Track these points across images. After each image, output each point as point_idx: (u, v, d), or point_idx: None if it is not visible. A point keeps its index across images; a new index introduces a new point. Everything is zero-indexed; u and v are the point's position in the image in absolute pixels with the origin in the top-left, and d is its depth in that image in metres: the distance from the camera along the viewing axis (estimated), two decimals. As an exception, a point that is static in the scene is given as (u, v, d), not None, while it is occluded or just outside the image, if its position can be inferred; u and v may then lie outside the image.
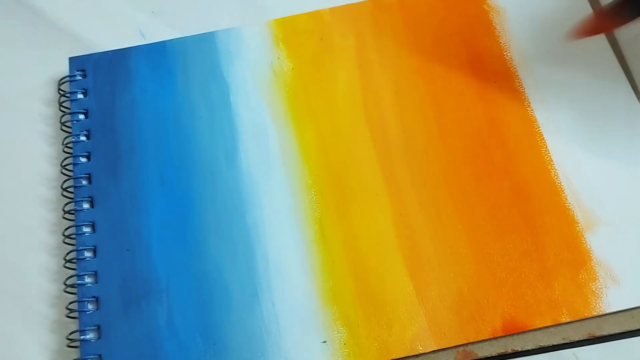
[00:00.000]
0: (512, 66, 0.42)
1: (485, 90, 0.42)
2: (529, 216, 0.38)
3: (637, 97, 0.41)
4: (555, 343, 0.36)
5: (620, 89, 0.41)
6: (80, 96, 0.43)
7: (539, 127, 0.41)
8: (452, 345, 0.36)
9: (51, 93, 0.44)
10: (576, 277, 0.37)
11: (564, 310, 0.36)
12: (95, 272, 0.38)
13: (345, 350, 0.36)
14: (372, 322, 0.36)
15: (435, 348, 0.36)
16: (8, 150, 0.43)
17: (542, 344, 0.36)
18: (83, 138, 0.42)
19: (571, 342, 0.36)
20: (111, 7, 0.47)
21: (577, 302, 0.36)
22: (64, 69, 0.44)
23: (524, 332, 0.36)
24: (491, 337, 0.36)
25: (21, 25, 0.46)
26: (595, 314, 0.36)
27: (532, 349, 0.36)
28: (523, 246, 0.38)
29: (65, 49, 0.45)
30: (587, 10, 0.43)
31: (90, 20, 0.46)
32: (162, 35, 0.45)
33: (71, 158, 0.41)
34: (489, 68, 0.42)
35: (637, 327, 0.36)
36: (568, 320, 0.36)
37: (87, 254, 0.39)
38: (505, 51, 0.43)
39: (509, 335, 0.36)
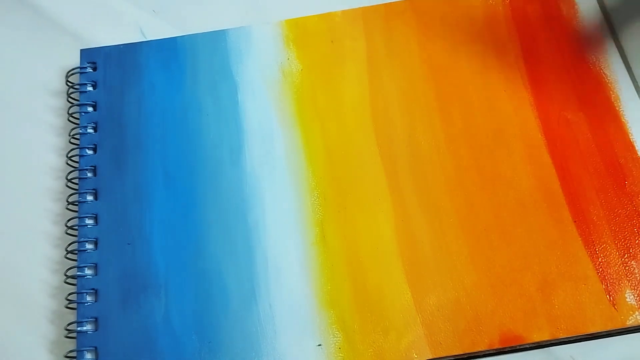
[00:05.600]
0: (523, 74, 0.42)
1: (495, 98, 0.42)
2: (531, 228, 0.38)
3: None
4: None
5: None
6: (89, 88, 0.43)
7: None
8: (448, 355, 0.36)
9: (53, 87, 0.44)
10: (576, 291, 0.36)
11: (562, 326, 0.36)
12: (96, 264, 0.38)
13: (340, 354, 0.36)
14: (368, 328, 0.36)
15: (431, 357, 0.36)
16: (14, 140, 0.43)
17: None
18: (90, 130, 0.42)
19: (566, 339, 0.36)
20: (112, 6, 0.47)
21: (576, 318, 0.36)
22: (64, 65, 0.44)
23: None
24: (488, 348, 0.36)
25: (22, 24, 0.46)
26: (593, 330, 0.35)
27: (528, 346, 0.36)
28: (524, 258, 0.37)
29: (65, 47, 0.45)
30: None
31: (91, 18, 0.46)
32: (162, 34, 0.45)
33: (77, 150, 0.41)
34: (499, 76, 0.42)
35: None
36: (566, 335, 0.35)
37: (89, 246, 0.39)
38: (518, 59, 0.43)
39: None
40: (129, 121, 0.42)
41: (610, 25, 0.44)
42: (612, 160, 0.39)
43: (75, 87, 0.43)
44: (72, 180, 0.41)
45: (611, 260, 0.37)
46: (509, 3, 0.44)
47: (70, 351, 0.37)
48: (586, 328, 0.36)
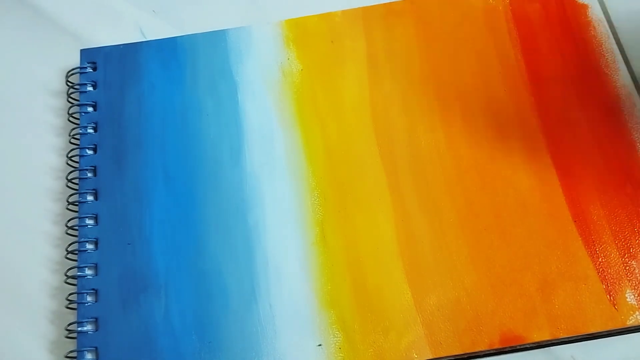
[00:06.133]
0: (523, 74, 0.42)
1: (495, 98, 0.42)
2: (532, 228, 0.38)
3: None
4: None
5: None
6: (89, 88, 0.43)
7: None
8: (448, 355, 0.36)
9: (53, 88, 0.44)
10: (576, 291, 0.36)
11: (563, 325, 0.36)
12: (96, 264, 0.38)
13: (340, 354, 0.36)
14: (368, 328, 0.36)
15: (431, 357, 0.36)
16: (14, 140, 0.43)
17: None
18: (90, 130, 0.42)
19: (566, 339, 0.36)
20: (112, 6, 0.47)
21: (576, 318, 0.36)
22: (64, 65, 0.44)
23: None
24: (488, 348, 0.36)
25: (22, 24, 0.46)
26: (593, 330, 0.35)
27: (528, 345, 0.36)
28: (524, 258, 0.37)
29: (65, 47, 0.45)
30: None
31: (91, 18, 0.46)
32: (162, 34, 0.45)
33: (77, 150, 0.41)
34: (499, 76, 0.42)
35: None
36: (566, 335, 0.35)
37: (89, 246, 0.39)
38: (519, 59, 0.42)
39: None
40: (129, 121, 0.42)
41: (611, 24, 0.44)
42: (613, 159, 0.39)
43: (75, 87, 0.43)
44: (72, 181, 0.41)
45: (611, 260, 0.37)
46: (508, 3, 0.44)
47: (71, 351, 0.37)
48: (586, 328, 0.35)
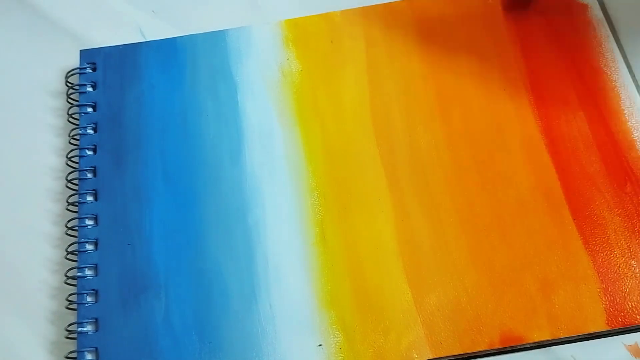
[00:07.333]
0: (523, 74, 0.42)
1: (495, 98, 0.42)
2: (532, 228, 0.38)
3: None
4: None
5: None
6: (89, 89, 0.43)
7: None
8: (448, 354, 0.36)
9: (53, 88, 0.44)
10: (576, 291, 0.36)
11: (563, 325, 0.36)
12: (96, 265, 0.38)
13: (341, 354, 0.36)
14: (368, 328, 0.36)
15: (431, 357, 0.36)
16: (14, 141, 0.43)
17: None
18: (90, 131, 0.42)
19: (567, 339, 0.36)
20: (112, 6, 0.47)
21: (577, 317, 0.36)
22: (64, 66, 0.44)
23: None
24: (488, 348, 0.36)
25: (21, 24, 0.46)
26: (593, 330, 0.35)
27: (528, 345, 0.36)
28: (525, 258, 0.37)
29: (65, 47, 0.45)
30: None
31: (90, 19, 0.46)
32: (162, 35, 0.45)
33: (77, 150, 0.41)
34: (499, 76, 0.42)
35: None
36: (566, 335, 0.35)
37: (89, 247, 0.39)
38: (519, 59, 0.42)
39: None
40: (129, 121, 0.42)
41: (611, 23, 0.44)
42: (613, 159, 0.39)
43: (75, 87, 0.43)
44: (72, 181, 0.41)
45: (611, 260, 0.37)
46: (508, 2, 0.44)
47: (71, 352, 0.37)
48: (586, 328, 0.35)
